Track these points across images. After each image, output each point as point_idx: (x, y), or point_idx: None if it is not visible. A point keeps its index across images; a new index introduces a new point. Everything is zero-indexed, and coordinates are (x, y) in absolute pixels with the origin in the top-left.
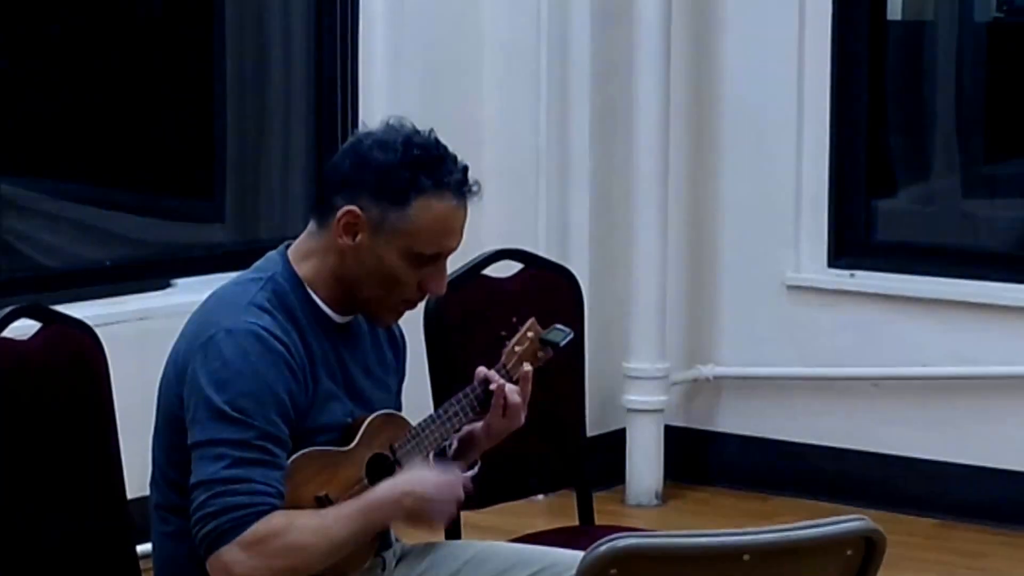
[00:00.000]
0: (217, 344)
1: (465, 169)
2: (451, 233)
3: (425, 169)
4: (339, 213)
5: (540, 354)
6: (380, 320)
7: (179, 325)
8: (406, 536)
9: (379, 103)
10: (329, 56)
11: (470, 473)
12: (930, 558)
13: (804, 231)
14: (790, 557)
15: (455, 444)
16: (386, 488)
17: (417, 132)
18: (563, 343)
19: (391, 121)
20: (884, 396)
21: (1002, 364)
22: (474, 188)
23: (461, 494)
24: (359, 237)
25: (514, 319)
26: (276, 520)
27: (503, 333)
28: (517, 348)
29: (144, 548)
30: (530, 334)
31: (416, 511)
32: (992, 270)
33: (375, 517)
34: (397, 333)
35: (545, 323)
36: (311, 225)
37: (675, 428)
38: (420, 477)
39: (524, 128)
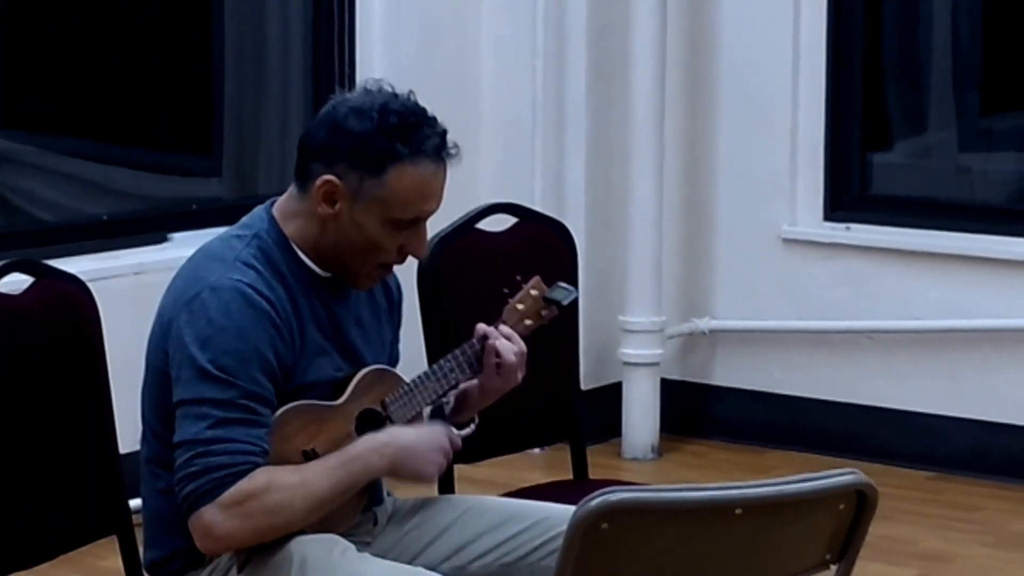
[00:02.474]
0: (202, 301)
1: (443, 133)
2: (428, 198)
3: (402, 136)
4: (318, 182)
5: (544, 312)
6: (358, 285)
7: None
8: (399, 491)
9: (376, 58)
10: (327, 10)
11: (466, 432)
12: (924, 511)
13: (800, 184)
14: (782, 511)
15: (452, 402)
16: (366, 440)
17: (395, 97)
18: (566, 302)
19: (368, 85)
20: (879, 349)
21: (997, 317)
22: (452, 151)
23: (446, 444)
24: (338, 205)
25: (518, 277)
26: (257, 479)
27: (506, 291)
28: (520, 306)
29: (136, 503)
30: (534, 292)
31: (398, 462)
32: (988, 223)
33: (356, 469)
34: (392, 283)
35: (542, 278)
36: (292, 188)
37: (671, 381)
38: (401, 429)
39: (520, 82)
